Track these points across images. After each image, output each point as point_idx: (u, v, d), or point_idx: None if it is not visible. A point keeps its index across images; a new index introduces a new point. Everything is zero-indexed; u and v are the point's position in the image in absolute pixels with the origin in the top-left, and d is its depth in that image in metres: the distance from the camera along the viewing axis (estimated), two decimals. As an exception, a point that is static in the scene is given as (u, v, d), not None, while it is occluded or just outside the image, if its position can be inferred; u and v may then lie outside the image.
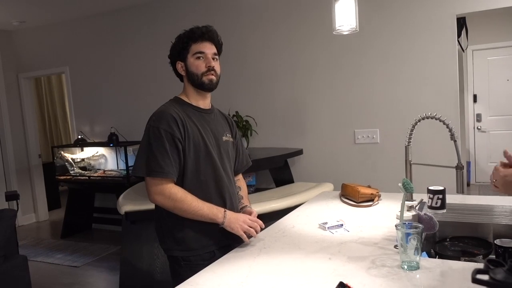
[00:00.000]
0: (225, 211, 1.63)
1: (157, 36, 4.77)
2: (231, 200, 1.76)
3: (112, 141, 4.89)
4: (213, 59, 1.72)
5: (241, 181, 1.97)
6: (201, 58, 1.69)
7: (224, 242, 1.68)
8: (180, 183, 1.64)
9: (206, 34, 1.71)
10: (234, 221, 1.62)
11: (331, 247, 1.54)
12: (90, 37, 5.30)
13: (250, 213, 1.76)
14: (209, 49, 1.71)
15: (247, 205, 1.87)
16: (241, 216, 1.66)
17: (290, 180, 4.05)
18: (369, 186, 2.27)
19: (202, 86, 1.72)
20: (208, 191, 1.69)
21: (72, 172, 5.18)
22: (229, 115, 2.08)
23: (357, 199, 2.16)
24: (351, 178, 3.69)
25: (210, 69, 1.70)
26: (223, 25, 4.06)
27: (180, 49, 1.71)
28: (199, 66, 1.69)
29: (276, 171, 4.07)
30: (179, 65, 1.73)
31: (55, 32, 5.55)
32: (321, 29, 3.88)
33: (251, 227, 1.64)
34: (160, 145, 1.59)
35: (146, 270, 3.29)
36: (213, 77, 1.71)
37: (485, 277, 0.81)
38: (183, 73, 1.74)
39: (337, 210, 2.11)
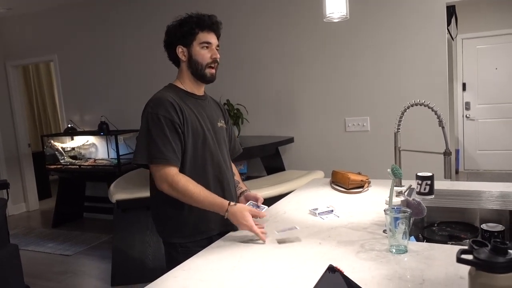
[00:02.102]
0: (227, 210, 1.56)
1: (147, 22, 4.72)
2: (228, 185, 1.77)
3: (102, 130, 4.86)
4: (217, 50, 1.73)
5: (233, 167, 1.98)
6: (207, 48, 1.69)
7: (222, 229, 1.69)
8: (180, 169, 1.63)
9: (214, 25, 1.71)
10: (236, 222, 1.56)
11: (321, 232, 1.57)
12: (78, 24, 5.23)
13: (255, 198, 1.75)
14: (214, 40, 1.71)
15: (246, 189, 1.87)
16: (243, 221, 1.54)
17: (281, 168, 4.07)
18: (359, 173, 2.30)
19: (203, 78, 1.72)
20: (206, 177, 1.69)
21: (62, 161, 5.15)
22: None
23: (347, 185, 2.19)
24: (341, 166, 3.71)
25: (215, 61, 1.71)
26: (213, 12, 4.03)
27: (184, 34, 1.68)
28: (204, 56, 1.69)
29: (268, 159, 4.09)
30: (180, 49, 1.70)
31: (43, 19, 5.47)
32: (312, 17, 3.87)
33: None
34: (160, 131, 1.58)
35: (138, 257, 3.31)
36: (214, 71, 1.72)
37: (469, 257, 0.84)
38: (183, 58, 1.71)
39: (328, 196, 2.13)
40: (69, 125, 5.33)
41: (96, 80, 5.21)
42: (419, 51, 3.52)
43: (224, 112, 1.92)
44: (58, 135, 5.51)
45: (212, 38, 1.70)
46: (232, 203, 1.59)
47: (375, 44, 3.68)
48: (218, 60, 1.72)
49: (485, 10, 5.95)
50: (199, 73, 1.71)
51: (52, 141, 5.27)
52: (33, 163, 6.05)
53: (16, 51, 5.74)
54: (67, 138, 5.37)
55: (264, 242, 1.49)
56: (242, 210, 1.57)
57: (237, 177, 1.94)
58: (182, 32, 1.68)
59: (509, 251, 0.82)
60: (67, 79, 5.45)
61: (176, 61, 1.76)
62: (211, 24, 1.69)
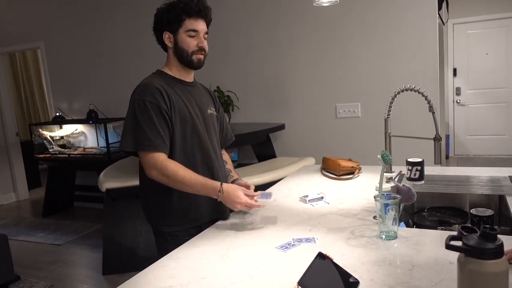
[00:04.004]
0: (219, 190, 1.55)
1: (137, 7, 4.63)
2: (218, 173, 1.74)
3: (91, 118, 4.80)
4: (204, 38, 1.68)
5: (225, 155, 1.95)
6: (193, 36, 1.65)
7: (212, 217, 1.67)
8: (169, 157, 1.61)
9: (202, 11, 1.65)
10: (229, 203, 1.55)
11: (312, 219, 1.56)
12: (65, 10, 5.12)
13: (246, 186, 1.72)
14: (202, 27, 1.66)
15: (238, 178, 1.85)
16: (237, 198, 1.54)
17: (272, 155, 4.06)
18: (350, 159, 2.29)
19: (190, 64, 1.68)
20: (195, 164, 1.66)
21: (51, 150, 5.09)
22: (209, 89, 2.04)
23: (338, 172, 2.18)
24: (332, 152, 3.71)
25: (202, 49, 1.66)
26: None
27: (171, 20, 1.63)
28: (190, 44, 1.64)
29: (259, 146, 4.08)
30: (166, 35, 1.66)
31: (28, 5, 5.34)
32: (302, 2, 3.82)
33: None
34: (147, 118, 1.55)
35: (129, 246, 3.30)
36: (202, 57, 1.68)
37: (458, 243, 0.83)
38: (170, 45, 1.68)
39: (318, 183, 2.12)
40: (58, 114, 5.26)
41: (84, 67, 5.13)
42: (409, 36, 3.50)
43: (215, 100, 1.89)
44: (47, 123, 5.44)
45: (199, 25, 1.65)
46: (224, 184, 1.58)
47: (366, 30, 3.65)
48: (205, 48, 1.67)
49: (476, -6, 5.94)
50: (185, 60, 1.67)
51: (40, 130, 5.20)
52: (22, 152, 5.98)
53: (1, 38, 5.61)
54: (56, 127, 5.30)
55: (263, 207, 1.65)
56: (235, 188, 1.58)
57: (229, 165, 1.92)
58: (169, 18, 1.64)
59: (498, 236, 0.82)
60: (54, 67, 5.36)
61: (163, 45, 1.72)
62: (198, 10, 1.64)
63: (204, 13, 1.66)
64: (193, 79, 1.79)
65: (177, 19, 1.62)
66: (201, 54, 1.68)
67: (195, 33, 1.64)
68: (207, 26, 1.70)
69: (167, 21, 1.64)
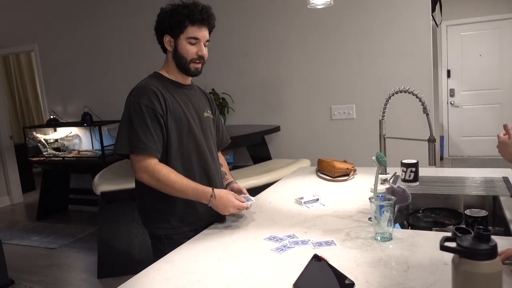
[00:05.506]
0: (211, 195, 1.56)
1: (132, 9, 4.62)
2: (215, 177, 1.74)
3: (85, 121, 4.78)
4: (205, 45, 1.67)
5: (221, 158, 1.95)
6: (194, 43, 1.64)
7: (208, 220, 1.67)
8: (164, 159, 1.61)
9: (206, 20, 1.64)
10: (221, 207, 1.57)
11: (307, 221, 1.56)
12: (59, 12, 5.10)
13: (239, 190, 1.73)
14: (203, 35, 1.65)
15: (232, 181, 1.85)
16: (229, 202, 1.57)
17: (267, 157, 4.06)
18: (345, 161, 2.30)
19: (187, 71, 1.68)
20: (191, 167, 1.66)
21: (46, 153, 5.07)
22: (205, 92, 2.04)
23: (333, 174, 2.19)
24: (327, 154, 3.71)
25: (201, 57, 1.66)
26: (197, 0, 3.95)
27: (173, 24, 1.62)
28: (190, 51, 1.63)
29: (254, 148, 4.08)
30: (167, 39, 1.65)
31: (22, 7, 5.32)
32: (296, 3, 3.83)
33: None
34: (142, 121, 1.55)
35: (124, 249, 3.28)
36: (200, 65, 1.68)
37: (452, 244, 0.84)
38: (169, 48, 1.67)
39: (313, 185, 2.13)
40: (52, 116, 5.23)
41: (79, 70, 5.11)
42: (403, 38, 3.52)
43: (211, 103, 1.89)
44: (41, 126, 5.41)
45: (202, 33, 1.64)
46: (215, 189, 1.59)
47: (360, 32, 3.66)
48: (204, 57, 1.67)
49: (469, -3, 5.98)
50: (183, 66, 1.66)
51: (34, 133, 5.17)
52: (16, 155, 5.94)
53: (-5, 41, 5.59)
54: (50, 130, 5.28)
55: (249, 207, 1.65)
56: (227, 193, 1.60)
57: (224, 168, 1.92)
58: (171, 22, 1.62)
59: (492, 237, 0.82)
60: (48, 69, 5.33)
61: (163, 46, 1.71)
62: (202, 19, 1.62)
63: (207, 22, 1.65)
64: (190, 81, 1.79)
65: (180, 24, 1.61)
66: (199, 62, 1.67)
67: (196, 41, 1.63)
68: (209, 33, 1.69)
69: (169, 25, 1.62)
